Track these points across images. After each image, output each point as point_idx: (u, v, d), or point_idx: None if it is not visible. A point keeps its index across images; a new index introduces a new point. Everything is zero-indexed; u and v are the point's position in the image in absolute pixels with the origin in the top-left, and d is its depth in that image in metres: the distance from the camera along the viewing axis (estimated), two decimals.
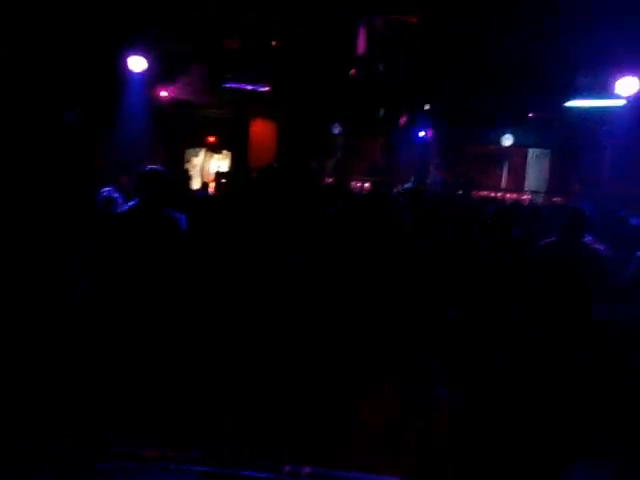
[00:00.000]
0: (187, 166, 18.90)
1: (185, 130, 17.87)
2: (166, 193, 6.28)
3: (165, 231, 6.03)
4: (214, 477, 2.49)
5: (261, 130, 19.71)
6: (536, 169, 22.38)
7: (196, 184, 18.03)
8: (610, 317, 6.06)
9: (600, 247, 6.43)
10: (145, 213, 6.06)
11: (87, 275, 5.81)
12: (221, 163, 19.73)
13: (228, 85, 15.68)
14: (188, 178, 14.96)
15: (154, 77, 13.72)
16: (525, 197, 21.06)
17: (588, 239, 6.78)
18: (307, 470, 1.80)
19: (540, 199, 21.02)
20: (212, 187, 15.24)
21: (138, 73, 12.84)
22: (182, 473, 2.56)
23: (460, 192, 16.16)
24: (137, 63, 12.73)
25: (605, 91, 13.35)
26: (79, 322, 5.23)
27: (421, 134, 19.81)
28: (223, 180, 14.89)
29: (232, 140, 19.35)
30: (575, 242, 6.33)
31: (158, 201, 6.15)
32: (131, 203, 6.23)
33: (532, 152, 22.31)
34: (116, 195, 7.26)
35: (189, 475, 2.55)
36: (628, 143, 16.84)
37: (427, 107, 17.22)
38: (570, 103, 15.08)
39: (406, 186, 7.90)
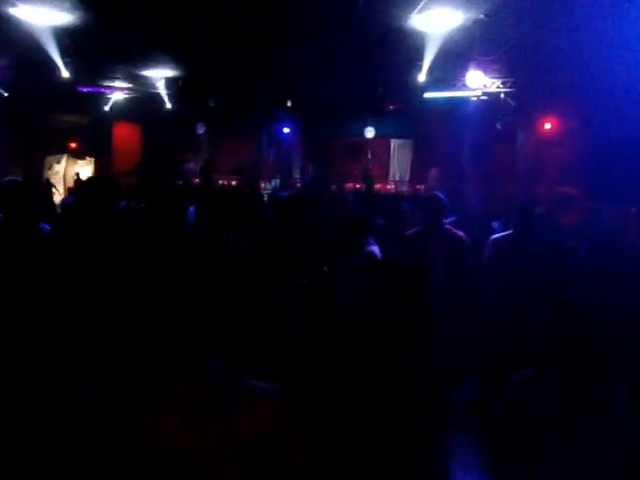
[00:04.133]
0: (48, 173, 18.33)
1: (43, 136, 17.33)
2: (31, 205, 6.05)
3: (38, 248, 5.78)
4: None
5: (125, 133, 19.40)
6: (399, 159, 23.03)
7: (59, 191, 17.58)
8: None
9: (461, 233, 6.70)
10: (12, 228, 5.82)
11: None
12: (85, 169, 19.25)
13: (85, 90, 15.26)
14: (50, 187, 14.51)
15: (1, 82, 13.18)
16: (389, 186, 21.72)
17: (448, 223, 7.08)
18: None
19: (404, 187, 21.71)
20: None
21: None
22: None
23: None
24: None
25: (457, 83, 13.96)
26: None
27: (285, 130, 20.02)
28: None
29: (95, 145, 18.90)
30: (437, 228, 6.48)
31: (25, 215, 5.86)
32: None
33: (395, 142, 22.93)
34: None
35: None
36: (482, 132, 17.73)
37: (289, 104, 17.39)
38: (427, 95, 15.62)
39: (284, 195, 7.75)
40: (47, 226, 6.62)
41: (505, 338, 6.40)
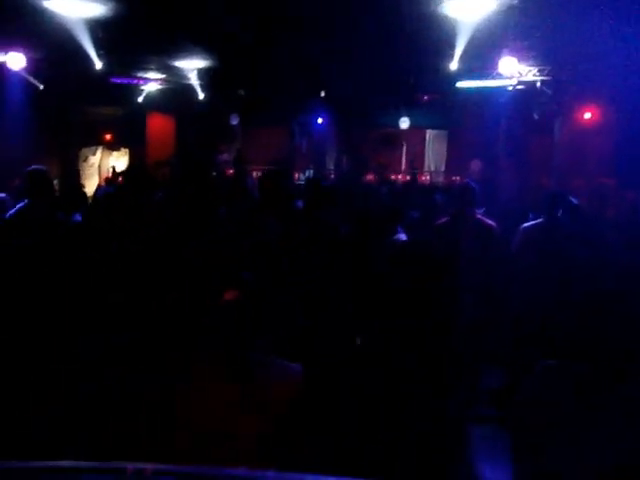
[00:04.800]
0: (84, 166, 18.46)
1: (78, 128, 17.41)
2: (53, 194, 6.18)
3: (59, 235, 5.66)
4: None
5: (159, 125, 19.43)
6: (434, 150, 22.80)
7: (94, 182, 17.69)
8: None
9: (492, 223, 6.66)
10: (35, 216, 5.81)
11: None
12: (120, 161, 19.35)
13: (118, 81, 15.24)
14: (78, 177, 14.57)
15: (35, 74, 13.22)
16: (424, 178, 21.49)
17: (479, 213, 6.96)
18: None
19: (440, 178, 21.48)
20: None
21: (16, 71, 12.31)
22: None
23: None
24: (16, 60, 12.16)
25: (491, 71, 13.69)
26: None
27: (319, 121, 19.91)
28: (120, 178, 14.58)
29: (129, 136, 18.99)
30: (468, 217, 6.46)
31: (47, 203, 5.92)
32: (19, 206, 5.92)
33: (430, 133, 22.70)
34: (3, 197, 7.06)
35: None
36: (518, 122, 17.43)
37: (322, 94, 17.25)
38: (460, 84, 15.37)
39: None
40: (79, 217, 6.70)
41: (533, 328, 6.31)
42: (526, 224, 7.19)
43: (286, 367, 2.70)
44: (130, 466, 1.45)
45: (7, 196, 7.18)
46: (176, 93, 17.79)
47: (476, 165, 18.23)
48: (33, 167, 6.17)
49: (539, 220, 7.07)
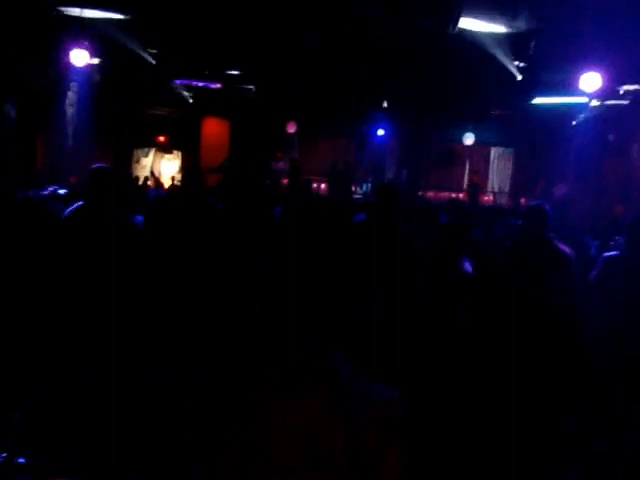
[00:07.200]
0: (136, 166, 18.18)
1: (133, 129, 17.03)
2: (114, 193, 5.82)
3: (116, 234, 5.43)
4: None
5: (213, 129, 18.97)
6: (499, 169, 21.95)
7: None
8: None
9: (565, 247, 6.18)
10: (92, 215, 5.50)
11: None
12: (172, 163, 18.98)
13: (178, 82, 14.83)
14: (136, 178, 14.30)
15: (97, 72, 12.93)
16: (487, 198, 20.57)
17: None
18: None
19: (504, 199, 20.62)
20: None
21: (80, 68, 12.00)
22: None
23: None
24: (80, 57, 11.82)
25: (569, 88, 12.87)
26: None
27: (380, 133, 19.21)
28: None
29: (183, 139, 18.56)
30: (540, 241, 6.02)
31: (107, 202, 5.64)
32: (77, 205, 5.71)
33: (495, 151, 21.86)
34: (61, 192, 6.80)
35: None
36: (592, 144, 16.49)
37: (385, 105, 16.56)
38: (535, 100, 14.57)
39: None
40: (141, 218, 6.64)
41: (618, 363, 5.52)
42: (608, 254, 6.50)
43: (384, 395, 2.09)
44: None
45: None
46: (232, 97, 17.30)
47: (560, 190, 17.34)
48: (95, 165, 6.00)
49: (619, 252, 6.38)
